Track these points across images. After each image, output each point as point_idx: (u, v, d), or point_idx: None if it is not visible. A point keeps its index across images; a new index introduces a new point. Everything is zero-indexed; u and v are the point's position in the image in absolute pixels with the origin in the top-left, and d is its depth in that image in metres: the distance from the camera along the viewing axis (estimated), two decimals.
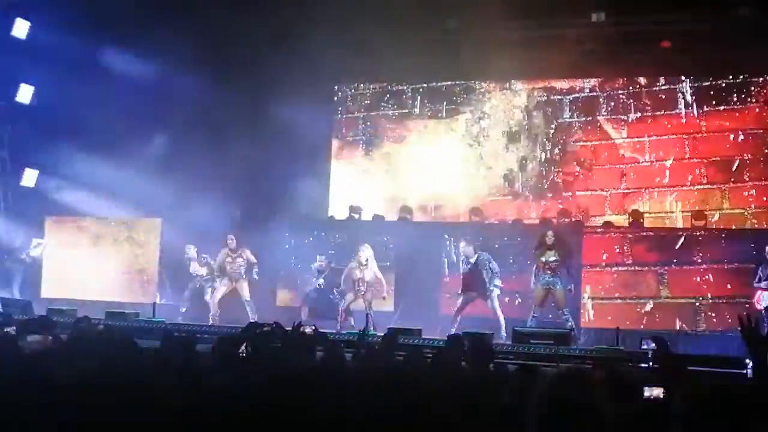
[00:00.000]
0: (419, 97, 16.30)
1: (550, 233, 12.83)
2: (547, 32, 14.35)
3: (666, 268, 12.96)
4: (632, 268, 13.14)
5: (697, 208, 14.36)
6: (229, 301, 14.00)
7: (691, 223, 13.95)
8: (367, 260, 13.29)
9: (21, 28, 15.50)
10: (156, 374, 4.18)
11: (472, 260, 12.97)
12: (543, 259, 12.71)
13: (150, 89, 14.81)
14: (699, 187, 14.69)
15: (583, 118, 15.48)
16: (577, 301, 12.87)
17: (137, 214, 15.54)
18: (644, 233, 13.62)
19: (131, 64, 14.80)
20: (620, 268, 13.17)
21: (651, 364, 10.08)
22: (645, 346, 10.69)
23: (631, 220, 14.01)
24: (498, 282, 12.85)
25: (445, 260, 13.91)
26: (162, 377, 4.05)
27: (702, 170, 14.72)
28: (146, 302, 14.17)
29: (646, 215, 14.44)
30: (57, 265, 15.56)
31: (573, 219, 14.62)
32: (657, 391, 4.04)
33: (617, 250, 13.27)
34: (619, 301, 13.05)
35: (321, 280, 13.80)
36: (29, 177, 16.14)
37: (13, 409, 3.02)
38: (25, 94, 15.86)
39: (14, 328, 6.80)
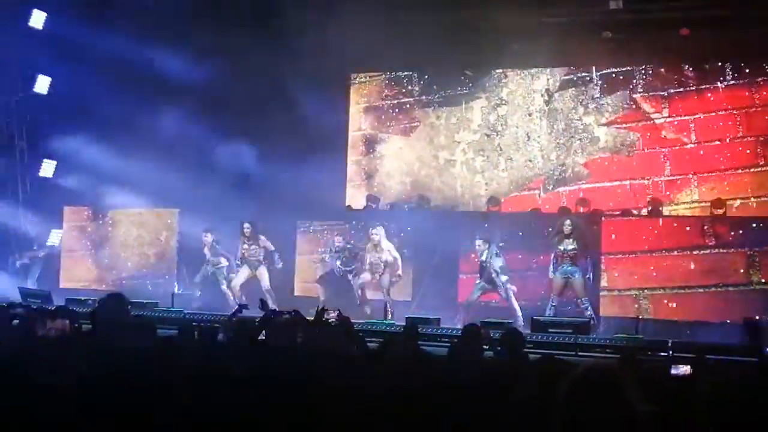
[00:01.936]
0: (434, 86, 15.94)
1: (568, 222, 12.72)
2: (564, 20, 14.18)
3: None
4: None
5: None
6: (249, 290, 13.97)
7: (710, 212, 13.34)
8: (379, 240, 13.47)
9: (38, 19, 15.53)
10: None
11: (483, 257, 12.94)
12: (561, 247, 12.62)
13: (166, 79, 14.81)
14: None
15: (613, 97, 14.67)
16: (597, 290, 12.70)
17: (155, 204, 15.56)
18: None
19: (147, 54, 14.78)
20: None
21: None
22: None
23: (650, 209, 13.74)
24: (503, 278, 12.77)
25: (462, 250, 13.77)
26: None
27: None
28: (164, 292, 14.21)
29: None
30: (75, 255, 15.64)
31: (591, 209, 14.23)
32: (684, 369, 4.03)
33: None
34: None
35: (338, 263, 13.91)
36: (47, 167, 16.21)
37: (32, 394, 3.02)
38: (42, 84, 15.92)
39: (34, 317, 6.81)
